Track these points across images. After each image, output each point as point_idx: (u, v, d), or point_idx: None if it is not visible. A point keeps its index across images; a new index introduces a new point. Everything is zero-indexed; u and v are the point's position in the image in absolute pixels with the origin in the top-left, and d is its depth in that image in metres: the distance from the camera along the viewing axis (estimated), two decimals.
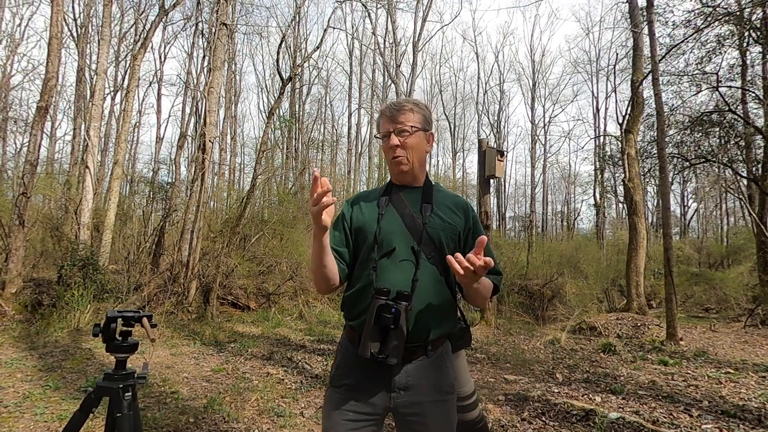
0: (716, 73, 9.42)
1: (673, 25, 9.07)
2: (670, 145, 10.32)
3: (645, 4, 8.43)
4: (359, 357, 1.17)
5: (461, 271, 1.02)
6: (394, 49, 18.70)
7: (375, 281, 1.23)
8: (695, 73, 9.84)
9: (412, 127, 1.31)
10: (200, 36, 15.49)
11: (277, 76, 13.02)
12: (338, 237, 1.34)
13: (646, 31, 8.61)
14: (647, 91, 9.57)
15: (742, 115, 9.64)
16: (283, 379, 4.18)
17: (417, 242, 1.26)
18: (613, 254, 14.66)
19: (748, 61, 9.71)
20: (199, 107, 14.83)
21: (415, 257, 1.25)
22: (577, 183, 27.88)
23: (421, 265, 1.24)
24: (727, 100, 9.56)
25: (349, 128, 24.99)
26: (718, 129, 10.18)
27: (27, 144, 7.38)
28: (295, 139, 21.23)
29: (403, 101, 1.34)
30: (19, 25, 19.01)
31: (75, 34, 15.86)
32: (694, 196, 25.59)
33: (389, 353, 1.13)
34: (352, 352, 1.24)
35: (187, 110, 16.89)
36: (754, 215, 9.79)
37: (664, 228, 7.05)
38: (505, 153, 15.40)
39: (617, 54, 12.72)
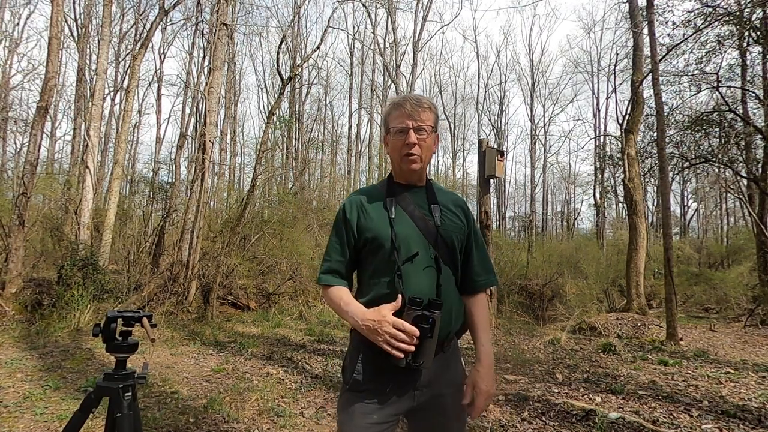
0: (716, 73, 9.41)
1: (673, 25, 9.06)
2: (670, 145, 10.31)
3: (645, 4, 8.43)
4: (387, 363, 1.14)
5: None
6: (394, 49, 18.73)
7: (402, 289, 1.19)
8: (695, 73, 9.84)
9: (431, 127, 1.28)
10: (200, 36, 15.49)
11: (277, 76, 13.02)
12: (338, 251, 1.32)
13: (646, 31, 8.61)
14: (647, 91, 9.58)
15: (742, 115, 9.64)
16: (283, 379, 4.18)
17: (433, 245, 1.25)
18: (613, 254, 14.66)
19: (748, 61, 9.71)
20: (199, 107, 14.82)
21: (435, 262, 1.24)
22: (577, 183, 27.87)
23: (442, 269, 1.24)
24: (727, 100, 9.56)
25: (349, 128, 24.99)
26: (718, 129, 10.18)
27: (27, 144, 7.38)
28: (295, 139, 21.22)
29: (422, 98, 1.29)
30: (17, 24, 18.97)
31: (75, 34, 15.87)
32: (694, 196, 25.60)
33: (424, 360, 1.13)
34: (378, 357, 1.18)
35: (187, 110, 16.89)
36: (754, 215, 9.79)
37: (664, 228, 7.05)
38: (505, 153, 15.40)
39: (617, 54, 12.75)
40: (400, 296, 1.17)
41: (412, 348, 1.11)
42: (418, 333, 1.10)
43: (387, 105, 1.36)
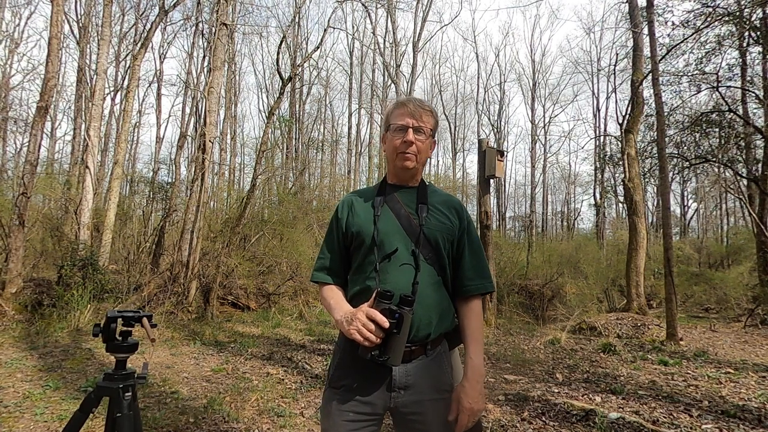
0: (716, 73, 9.42)
1: (673, 25, 9.06)
2: (670, 145, 10.31)
3: (645, 4, 8.44)
4: (359, 357, 1.16)
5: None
6: (394, 49, 18.74)
7: (378, 284, 1.21)
8: (695, 73, 9.84)
9: (430, 130, 1.31)
10: (200, 36, 15.48)
11: (277, 76, 13.02)
12: (330, 249, 1.37)
13: (646, 31, 8.61)
14: (647, 91, 9.58)
15: (742, 115, 9.64)
16: (283, 379, 4.18)
17: (414, 243, 1.25)
18: (613, 254, 14.66)
19: (748, 61, 9.71)
20: (199, 107, 14.81)
21: (414, 259, 1.24)
22: (577, 183, 27.88)
23: (420, 267, 1.24)
24: (727, 100, 9.56)
25: (349, 128, 25.00)
26: (718, 129, 10.18)
27: (27, 144, 7.38)
28: (295, 139, 21.22)
29: (425, 102, 1.33)
30: (17, 24, 18.95)
31: (76, 34, 15.88)
32: (694, 196, 25.62)
33: (390, 356, 1.12)
34: (352, 352, 1.22)
35: (187, 110, 16.90)
36: (754, 215, 9.79)
37: (664, 228, 7.05)
38: (505, 153, 15.41)
39: (617, 54, 12.69)
40: (376, 291, 1.18)
41: (377, 340, 1.10)
42: (387, 324, 1.09)
43: (390, 104, 1.39)
